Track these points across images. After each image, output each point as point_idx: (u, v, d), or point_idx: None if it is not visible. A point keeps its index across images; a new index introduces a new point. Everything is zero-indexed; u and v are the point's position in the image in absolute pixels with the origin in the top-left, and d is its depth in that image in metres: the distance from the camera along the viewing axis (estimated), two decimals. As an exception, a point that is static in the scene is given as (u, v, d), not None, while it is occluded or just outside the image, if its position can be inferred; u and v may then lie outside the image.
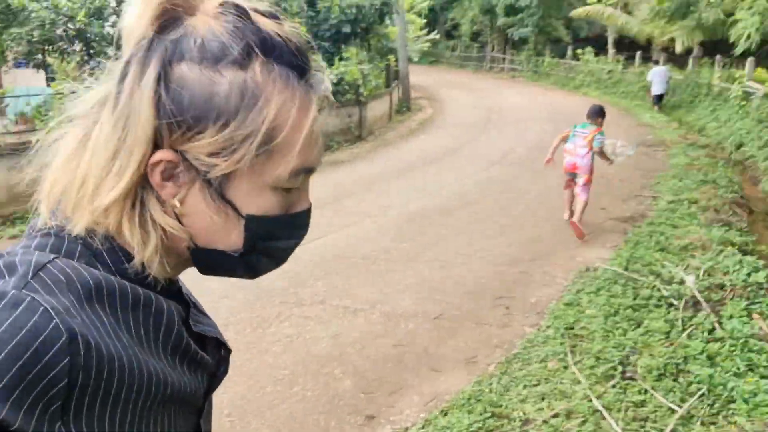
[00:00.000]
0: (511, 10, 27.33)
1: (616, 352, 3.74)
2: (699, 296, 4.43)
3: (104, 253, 0.64)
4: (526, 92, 21.53)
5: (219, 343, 0.79)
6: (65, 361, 0.52)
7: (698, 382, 3.34)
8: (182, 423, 0.71)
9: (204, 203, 0.66)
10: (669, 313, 4.27)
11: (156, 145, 0.62)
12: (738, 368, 3.44)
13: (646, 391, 3.32)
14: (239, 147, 0.63)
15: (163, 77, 0.61)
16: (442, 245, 6.10)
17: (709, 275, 4.84)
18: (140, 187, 0.64)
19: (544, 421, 3.11)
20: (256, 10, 0.65)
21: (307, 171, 0.69)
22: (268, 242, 0.70)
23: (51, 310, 0.52)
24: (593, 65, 22.69)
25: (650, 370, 3.49)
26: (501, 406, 3.26)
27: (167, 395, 0.65)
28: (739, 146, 11.09)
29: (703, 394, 3.24)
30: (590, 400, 3.25)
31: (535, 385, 3.47)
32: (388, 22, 16.04)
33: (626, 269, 5.12)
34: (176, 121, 0.61)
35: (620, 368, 3.57)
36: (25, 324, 0.51)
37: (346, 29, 13.80)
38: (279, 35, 0.65)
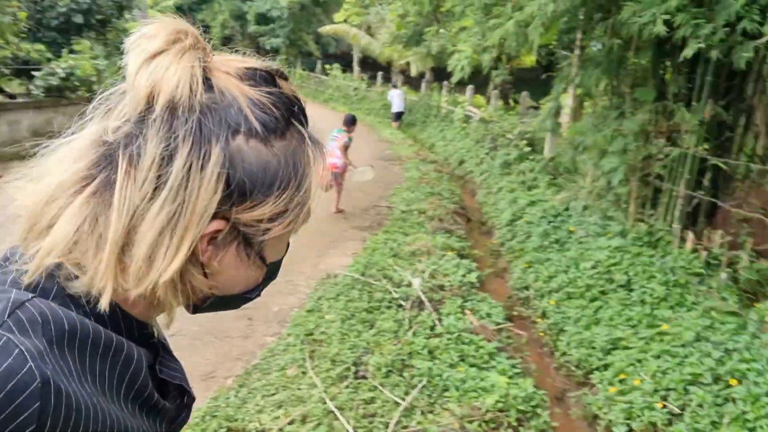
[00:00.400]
0: (262, 19, 27.46)
1: (350, 353, 3.96)
2: (423, 297, 4.92)
3: (82, 298, 0.62)
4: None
5: (183, 390, 0.77)
6: (35, 405, 0.52)
7: (420, 375, 3.69)
8: None
9: (237, 260, 0.68)
10: (398, 313, 4.66)
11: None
12: (452, 359, 3.89)
13: (375, 388, 3.57)
14: (292, 212, 0.67)
15: (226, 155, 0.61)
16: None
17: (432, 277, 5.39)
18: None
19: (280, 429, 3.15)
20: (275, 72, 0.66)
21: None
22: (269, 281, 0.75)
23: (26, 353, 0.52)
24: (341, 81, 23.88)
25: (380, 368, 3.76)
26: (237, 419, 3.22)
27: None
28: (461, 162, 12.62)
29: (423, 386, 3.60)
30: (325, 403, 3.38)
31: (273, 394, 3.50)
32: (129, 16, 14.97)
33: (363, 274, 5.46)
34: (232, 195, 0.62)
35: (353, 368, 3.79)
36: None
37: (78, 19, 12.56)
38: (295, 96, 0.68)
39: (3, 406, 0.50)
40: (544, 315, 5.35)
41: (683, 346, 3.80)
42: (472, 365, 3.85)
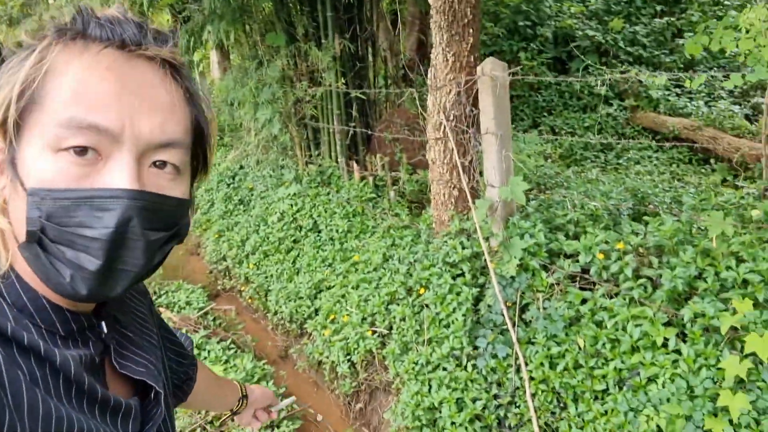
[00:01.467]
0: None
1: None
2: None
3: (2, 286, 0.62)
4: None
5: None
6: None
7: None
8: None
9: (10, 187, 0.62)
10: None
11: None
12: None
13: None
14: (10, 104, 0.60)
15: None
16: None
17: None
18: None
19: None
20: None
21: (92, 127, 0.60)
22: (64, 227, 0.59)
23: None
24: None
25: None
26: None
27: None
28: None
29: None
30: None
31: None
32: None
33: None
34: None
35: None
36: None
37: None
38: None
39: None
40: (247, 280, 5.21)
41: (375, 270, 4.02)
42: (182, 365, 3.51)
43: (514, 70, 3.00)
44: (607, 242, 2.95)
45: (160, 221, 0.65)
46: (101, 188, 0.60)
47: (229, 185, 6.64)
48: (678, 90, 6.57)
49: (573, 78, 5.40)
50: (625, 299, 2.76)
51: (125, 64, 0.64)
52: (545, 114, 6.47)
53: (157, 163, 0.66)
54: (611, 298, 2.86)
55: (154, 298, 4.49)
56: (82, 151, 0.60)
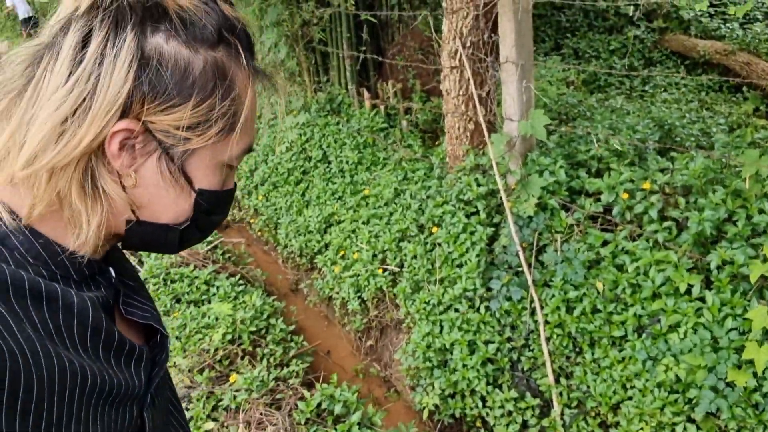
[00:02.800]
0: None
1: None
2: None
3: (11, 235, 0.62)
4: None
5: (155, 330, 0.77)
6: None
7: (134, 338, 3.22)
8: (119, 416, 0.67)
9: (159, 176, 0.66)
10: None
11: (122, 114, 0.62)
12: (166, 306, 3.46)
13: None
14: (214, 124, 0.66)
15: (142, 47, 0.61)
16: None
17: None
18: (93, 154, 0.63)
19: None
20: None
21: (251, 150, 0.74)
22: (208, 216, 0.73)
23: None
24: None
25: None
26: None
27: (88, 388, 0.61)
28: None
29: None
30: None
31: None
32: None
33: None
34: (148, 93, 0.62)
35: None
36: None
37: None
38: (237, 19, 0.68)
39: None
40: (256, 212, 5.11)
41: (386, 204, 3.89)
42: (189, 304, 3.47)
43: (539, -8, 2.73)
44: (632, 181, 2.78)
45: None
46: (232, 188, 0.76)
47: (237, 112, 6.44)
48: (711, 10, 6.14)
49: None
50: (648, 242, 2.61)
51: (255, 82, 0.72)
52: (568, 35, 6.10)
53: None
54: (634, 240, 2.72)
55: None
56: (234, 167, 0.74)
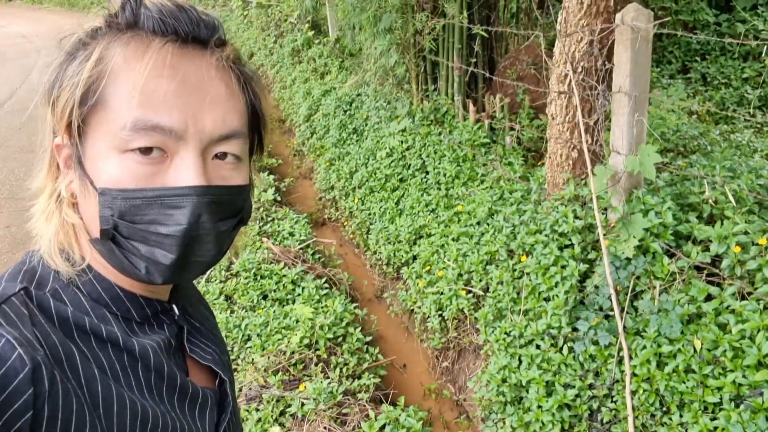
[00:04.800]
0: None
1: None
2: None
3: (78, 280, 0.63)
4: (31, 18, 18.65)
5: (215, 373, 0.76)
6: (29, 392, 0.50)
7: (219, 330, 3.34)
8: None
9: (78, 183, 0.63)
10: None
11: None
12: (252, 301, 3.57)
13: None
14: (59, 102, 0.62)
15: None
16: None
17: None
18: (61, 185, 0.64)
19: None
20: None
21: (157, 128, 0.61)
22: (135, 225, 0.62)
23: (13, 341, 0.51)
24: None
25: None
26: None
27: (149, 429, 0.61)
28: (251, 56, 11.69)
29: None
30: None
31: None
32: None
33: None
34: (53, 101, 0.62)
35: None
36: None
37: None
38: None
39: None
40: (351, 214, 5.17)
41: (478, 224, 3.79)
42: (274, 301, 3.56)
43: (661, 21, 2.54)
44: (746, 233, 2.53)
45: (227, 210, 0.68)
46: (170, 187, 0.62)
47: (345, 112, 6.53)
48: None
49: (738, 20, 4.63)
50: (758, 303, 2.37)
51: (183, 58, 0.64)
52: (697, 59, 5.67)
53: (219, 155, 0.67)
54: (742, 299, 2.47)
55: (260, 224, 4.57)
56: (147, 150, 0.62)
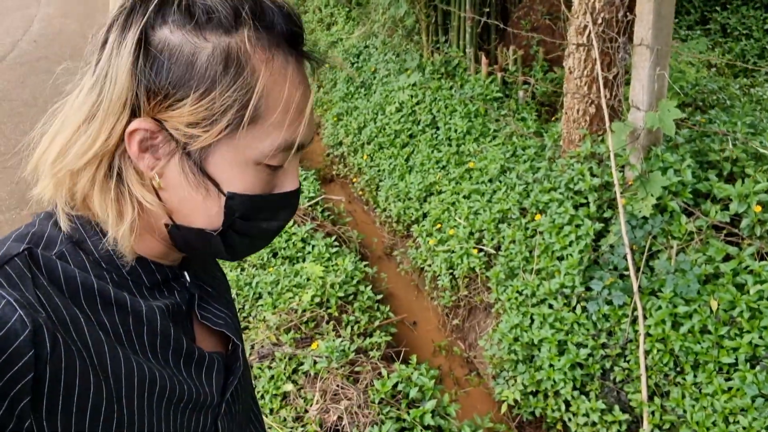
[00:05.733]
0: None
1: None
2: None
3: (88, 240, 0.63)
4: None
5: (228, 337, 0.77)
6: (30, 353, 0.49)
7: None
8: (191, 423, 0.67)
9: (183, 177, 0.63)
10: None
11: (135, 113, 0.60)
12: (263, 260, 3.55)
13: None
14: (220, 118, 0.60)
15: (144, 41, 0.58)
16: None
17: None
18: (118, 157, 0.61)
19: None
20: None
21: (295, 148, 0.65)
22: (249, 222, 0.67)
23: (14, 303, 0.50)
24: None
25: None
26: None
27: (158, 392, 0.61)
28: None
29: (234, 300, 3.25)
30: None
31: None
32: None
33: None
34: (154, 88, 0.59)
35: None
36: None
37: None
38: (273, 2, 0.62)
39: None
40: (360, 171, 5.11)
41: (490, 181, 3.73)
42: (285, 259, 3.54)
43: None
44: (769, 192, 2.47)
45: None
46: (285, 192, 0.68)
47: (352, 64, 6.38)
48: None
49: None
50: (779, 264, 2.33)
51: (303, 72, 0.65)
52: (717, 8, 5.48)
53: None
54: (761, 259, 2.43)
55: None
56: (279, 166, 0.66)
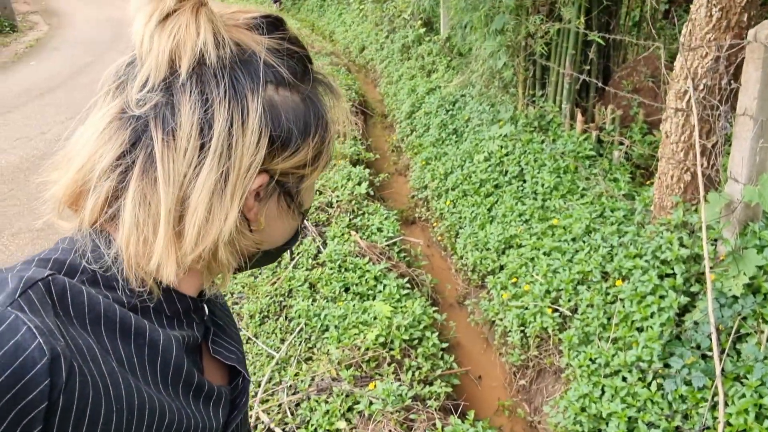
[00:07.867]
0: None
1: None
2: (305, 221, 4.54)
3: (112, 270, 0.63)
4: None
5: (237, 372, 0.78)
6: (45, 382, 0.50)
7: (298, 317, 3.39)
8: None
9: (279, 211, 0.70)
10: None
11: None
12: (334, 292, 3.59)
13: (249, 340, 3.25)
14: (323, 154, 0.70)
15: (264, 106, 0.63)
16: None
17: (319, 193, 4.99)
18: None
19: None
20: (278, 19, 0.67)
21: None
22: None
23: (34, 330, 0.51)
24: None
25: (253, 316, 3.43)
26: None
27: (166, 425, 0.62)
28: (362, 50, 11.86)
29: (301, 329, 3.30)
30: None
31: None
32: None
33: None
34: (280, 146, 0.65)
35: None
36: (6, 343, 0.49)
37: None
38: (299, 40, 0.69)
39: (11, 384, 0.48)
40: (441, 216, 5.10)
41: (573, 240, 3.62)
42: (356, 295, 3.56)
43: (804, 40, 2.29)
44: None
45: None
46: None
47: (447, 111, 6.46)
48: None
49: None
50: None
51: None
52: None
53: None
54: None
55: (351, 217, 4.61)
56: None
